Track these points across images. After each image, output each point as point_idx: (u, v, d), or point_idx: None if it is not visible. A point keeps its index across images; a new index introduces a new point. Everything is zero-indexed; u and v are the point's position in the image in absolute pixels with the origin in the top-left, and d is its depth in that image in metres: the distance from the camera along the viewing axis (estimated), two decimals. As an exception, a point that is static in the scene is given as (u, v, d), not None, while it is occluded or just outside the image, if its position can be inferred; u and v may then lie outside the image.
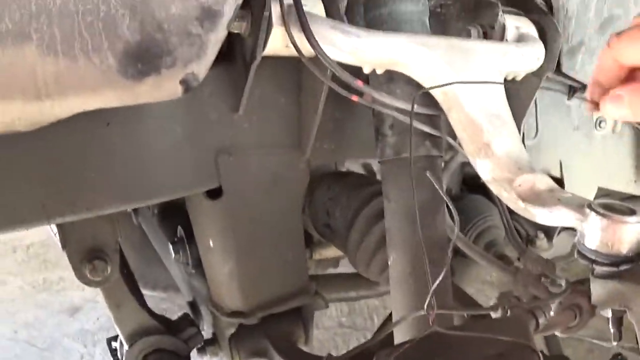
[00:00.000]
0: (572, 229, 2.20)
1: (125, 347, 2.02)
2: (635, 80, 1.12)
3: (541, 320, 1.41)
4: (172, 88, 1.09)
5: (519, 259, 2.13)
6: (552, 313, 1.37)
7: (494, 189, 1.32)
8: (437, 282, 1.21)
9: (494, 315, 1.43)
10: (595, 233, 1.14)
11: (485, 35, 1.52)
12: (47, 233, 5.14)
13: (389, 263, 1.49)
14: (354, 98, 1.29)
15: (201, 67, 1.10)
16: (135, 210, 2.85)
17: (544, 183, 1.29)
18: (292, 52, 1.23)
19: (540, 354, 1.15)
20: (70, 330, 4.53)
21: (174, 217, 2.43)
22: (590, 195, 2.29)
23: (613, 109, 1.13)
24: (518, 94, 1.64)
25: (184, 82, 1.09)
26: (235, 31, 1.25)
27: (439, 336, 1.14)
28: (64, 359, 4.22)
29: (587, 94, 1.20)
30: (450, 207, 1.26)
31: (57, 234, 3.48)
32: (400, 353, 1.12)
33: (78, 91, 1.02)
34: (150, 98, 1.10)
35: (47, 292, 5.07)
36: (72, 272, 4.54)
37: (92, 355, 4.24)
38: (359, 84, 1.26)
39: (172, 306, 4.39)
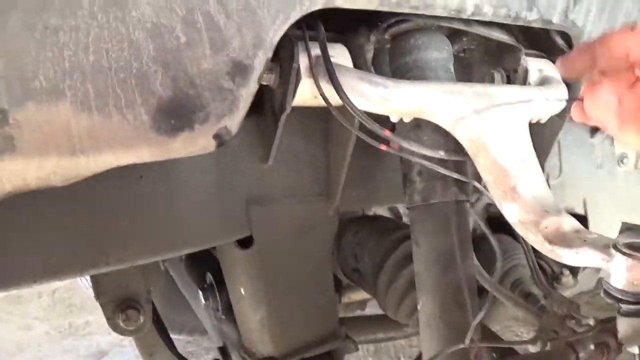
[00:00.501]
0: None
1: (159, 394, 2.02)
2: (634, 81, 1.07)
3: (581, 355, 1.41)
4: (205, 143, 1.10)
5: (545, 297, 2.13)
6: (591, 347, 1.37)
7: (521, 231, 1.33)
8: (480, 316, 1.22)
9: (532, 349, 1.43)
10: (621, 273, 1.15)
11: (509, 79, 1.54)
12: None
13: (419, 307, 1.50)
14: (383, 147, 1.30)
15: (234, 122, 1.11)
16: (162, 255, 2.86)
17: (570, 224, 1.29)
18: (320, 102, 1.24)
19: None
20: (98, 374, 4.54)
21: (202, 263, 2.44)
22: (614, 231, 2.29)
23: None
24: (542, 135, 1.65)
25: (217, 137, 1.10)
26: (264, 83, 1.27)
27: None
28: (92, 404, 4.23)
29: (570, 55, 1.18)
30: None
31: (89, 284, 3.51)
32: None
33: (112, 147, 1.03)
34: (184, 153, 1.11)
35: (73, 337, 5.08)
36: (98, 317, 4.55)
37: (119, 398, 4.25)
38: (387, 133, 1.27)
39: (198, 349, 4.40)
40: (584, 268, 2.35)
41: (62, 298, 5.67)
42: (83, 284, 3.87)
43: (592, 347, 1.35)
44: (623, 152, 2.26)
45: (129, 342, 4.84)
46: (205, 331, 3.91)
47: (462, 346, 1.20)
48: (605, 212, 2.27)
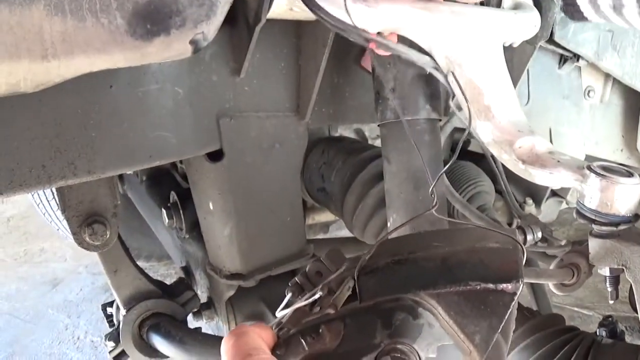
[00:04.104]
0: (559, 197, 2.23)
1: (122, 311, 2.01)
2: None
3: (529, 237, 1.49)
4: (181, 48, 1.09)
5: (509, 225, 2.16)
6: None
7: (494, 150, 1.34)
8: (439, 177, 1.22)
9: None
10: (595, 193, 1.17)
11: (482, 2, 1.54)
12: (27, 205, 5.12)
13: (389, 223, 1.51)
14: (372, 45, 1.28)
15: (210, 28, 1.10)
16: (121, 179, 2.85)
17: (544, 145, 1.31)
18: (295, 15, 1.23)
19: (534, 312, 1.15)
20: (54, 301, 4.53)
21: (163, 183, 2.44)
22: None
23: None
24: (512, 61, 1.66)
25: (193, 42, 1.09)
26: (240, -8, 1.25)
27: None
28: (48, 330, 4.21)
29: None
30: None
31: (45, 210, 3.46)
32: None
33: (85, 51, 1.01)
34: (159, 58, 1.09)
35: (28, 264, 5.07)
36: (54, 244, 4.50)
37: (76, 325, 4.24)
38: (373, 35, 1.26)
39: (155, 276, 4.41)
40: (547, 198, 2.38)
41: (17, 226, 5.66)
42: (39, 210, 3.85)
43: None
44: (590, 85, 2.28)
45: (84, 268, 4.85)
46: (162, 257, 3.93)
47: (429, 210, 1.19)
48: (569, 143, 2.30)
